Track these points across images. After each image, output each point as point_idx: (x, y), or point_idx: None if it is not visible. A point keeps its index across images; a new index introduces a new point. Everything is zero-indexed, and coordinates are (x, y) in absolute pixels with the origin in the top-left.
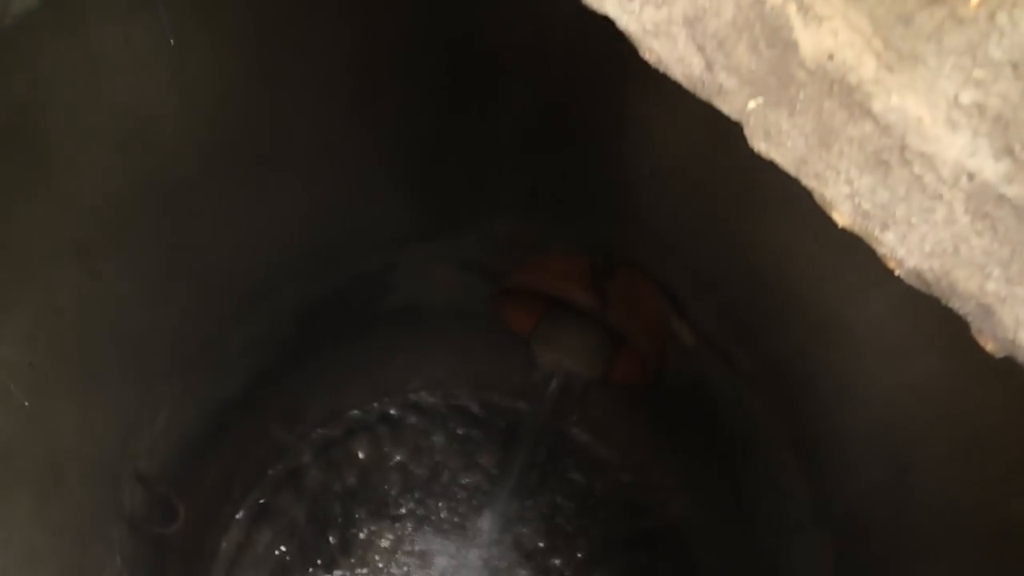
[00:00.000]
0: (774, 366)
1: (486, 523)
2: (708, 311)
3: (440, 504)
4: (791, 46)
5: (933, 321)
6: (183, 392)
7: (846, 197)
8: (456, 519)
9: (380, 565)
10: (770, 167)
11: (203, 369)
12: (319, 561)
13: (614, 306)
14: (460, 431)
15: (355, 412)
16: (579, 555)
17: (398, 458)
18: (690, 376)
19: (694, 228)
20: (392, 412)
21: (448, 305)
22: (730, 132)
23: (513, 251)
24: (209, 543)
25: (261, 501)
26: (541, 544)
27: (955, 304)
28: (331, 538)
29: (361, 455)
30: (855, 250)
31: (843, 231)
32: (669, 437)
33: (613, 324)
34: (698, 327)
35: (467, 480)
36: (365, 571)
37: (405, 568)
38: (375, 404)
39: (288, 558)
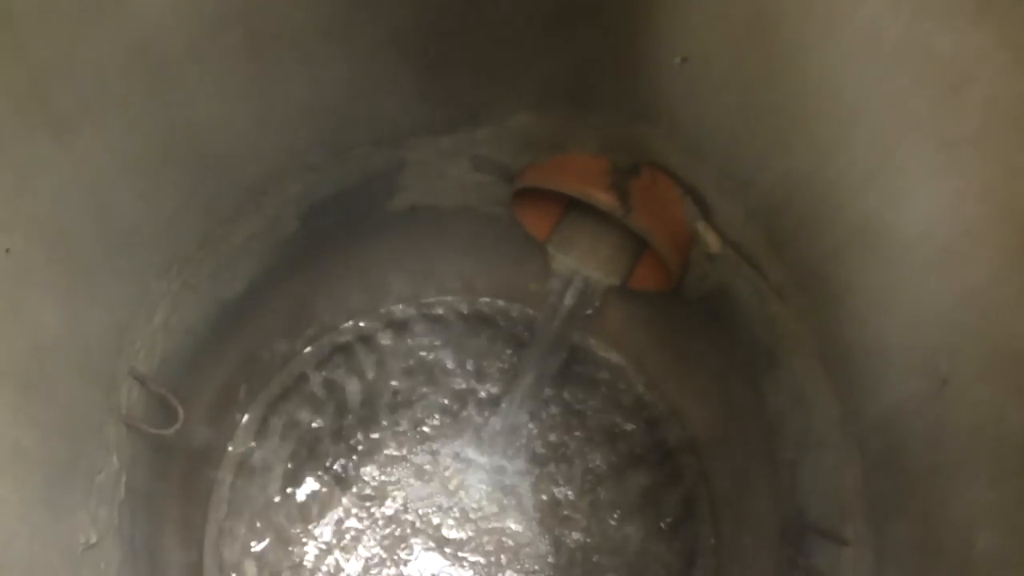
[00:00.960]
0: (805, 272)
1: (495, 430)
2: (737, 214)
3: (450, 410)
4: None
5: (984, 225)
6: (182, 290)
7: None
8: (465, 426)
9: (388, 468)
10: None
11: (203, 267)
12: (327, 464)
13: (636, 208)
14: (471, 338)
15: (363, 317)
16: (590, 465)
17: (406, 364)
18: (714, 283)
19: (727, 123)
20: (401, 317)
21: (460, 207)
22: (770, 12)
23: (530, 148)
24: (215, 447)
25: (267, 406)
26: (551, 453)
27: None
28: (339, 442)
29: (369, 361)
30: (904, 144)
31: (893, 125)
32: (688, 347)
33: (635, 227)
34: (725, 231)
35: (477, 387)
36: (374, 473)
37: (413, 470)
38: (383, 309)
39: (295, 462)
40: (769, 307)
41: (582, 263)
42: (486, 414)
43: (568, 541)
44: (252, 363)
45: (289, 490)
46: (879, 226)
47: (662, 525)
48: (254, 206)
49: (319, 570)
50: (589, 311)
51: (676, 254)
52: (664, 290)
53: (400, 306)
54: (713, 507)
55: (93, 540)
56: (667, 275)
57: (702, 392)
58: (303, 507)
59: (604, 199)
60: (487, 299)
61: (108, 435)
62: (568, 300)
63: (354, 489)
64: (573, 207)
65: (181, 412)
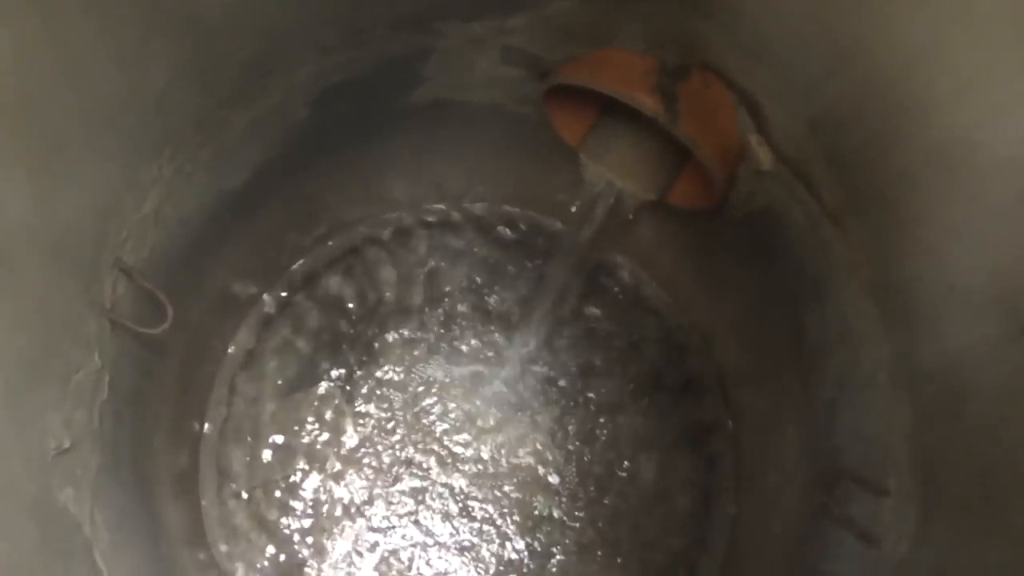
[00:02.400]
0: (869, 196)
1: (513, 347)
2: (796, 127)
3: (465, 323)
4: None
5: None
6: (175, 177)
7: None
8: (482, 340)
9: (396, 378)
10: None
11: (200, 153)
12: (332, 370)
13: (683, 115)
14: (491, 248)
15: (376, 218)
16: (611, 391)
17: (421, 271)
18: (760, 204)
19: (797, 19)
20: (417, 221)
21: (487, 104)
22: None
23: (567, 41)
24: (215, 347)
25: (271, 307)
26: (568, 374)
27: None
28: (345, 348)
29: (382, 265)
30: (1012, 53)
31: (1002, 28)
32: (724, 271)
33: (680, 136)
34: (780, 146)
35: (495, 301)
36: (380, 383)
37: (425, 381)
38: (398, 211)
39: (298, 367)
40: (821, 233)
41: (617, 173)
42: (503, 329)
43: (580, 466)
44: (255, 261)
45: (292, 396)
46: (966, 147)
47: (682, 459)
48: (257, 88)
49: (322, 475)
50: (620, 226)
51: (723, 169)
52: (704, 208)
53: (417, 208)
54: (737, 443)
55: (66, 445)
56: (710, 192)
57: (735, 320)
58: (305, 414)
59: (647, 103)
60: (511, 207)
61: (88, 331)
62: (598, 213)
63: (359, 398)
64: (611, 110)
65: (170, 310)
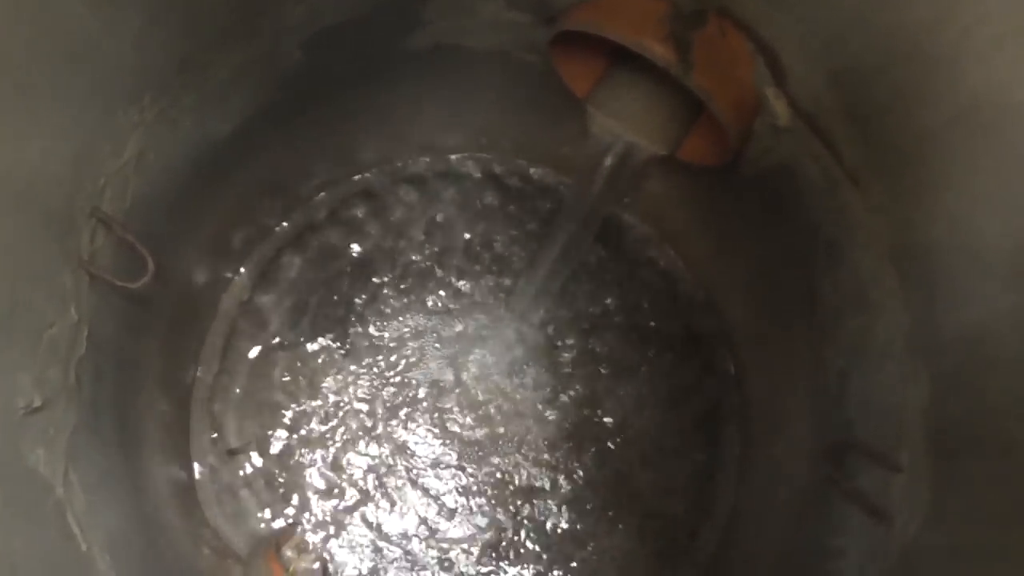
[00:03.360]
0: (892, 155)
1: (512, 307)
2: (816, 80)
3: (464, 281)
4: None
5: None
6: (158, 123)
7: None
8: (482, 295)
9: (393, 332)
10: None
11: (184, 97)
12: (329, 325)
13: (698, 65)
14: (492, 203)
15: (374, 168)
16: (614, 350)
17: (420, 224)
18: (775, 161)
19: None
20: (417, 172)
21: (490, 50)
22: None
23: None
24: (207, 299)
25: (265, 258)
26: (571, 333)
27: None
28: (341, 302)
29: (379, 217)
30: None
31: None
32: (735, 231)
33: (694, 88)
34: (799, 100)
35: (497, 257)
36: (377, 337)
37: (419, 337)
38: (398, 162)
39: (293, 319)
40: (840, 194)
41: (626, 126)
42: (503, 284)
43: (579, 426)
44: (248, 211)
45: (287, 348)
46: (1002, 103)
47: (685, 423)
48: (245, 29)
49: (315, 431)
50: (629, 182)
51: (738, 124)
52: (716, 165)
53: (416, 160)
54: (744, 409)
55: (37, 403)
56: (723, 148)
57: (744, 281)
58: (300, 368)
59: (660, 52)
60: (514, 159)
61: (63, 284)
62: (606, 168)
63: (355, 352)
64: (621, 60)
65: (151, 262)
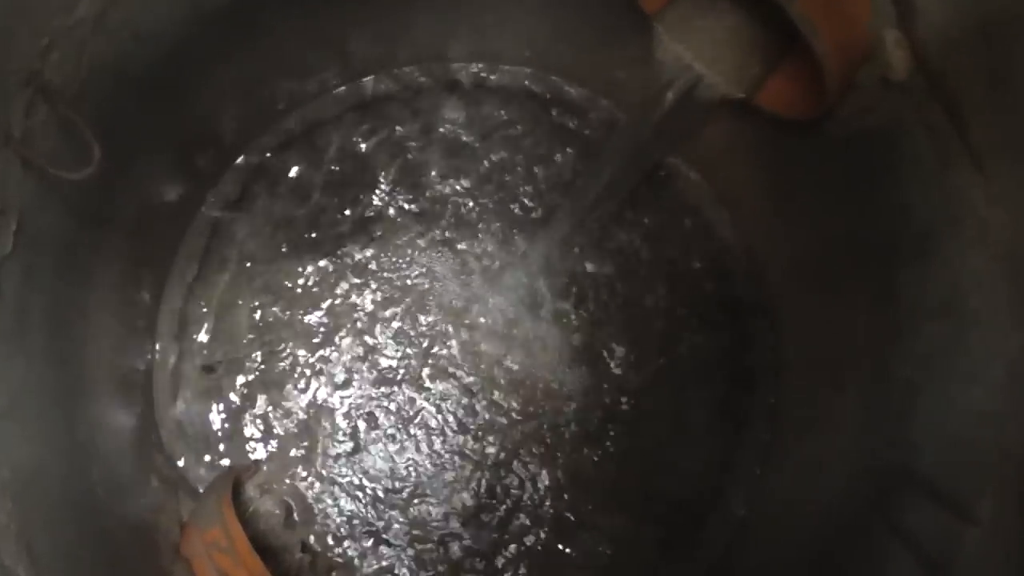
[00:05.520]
0: None
1: (540, 244)
2: (955, 28)
3: (489, 208)
4: None
5: None
6: None
7: None
8: (505, 231)
9: (401, 259)
10: None
11: None
12: (326, 242)
13: None
14: (530, 125)
15: (396, 70)
16: (642, 311)
17: (444, 138)
18: (876, 124)
19: None
20: (444, 79)
21: None
22: None
23: None
24: (179, 200)
25: (258, 158)
26: (598, 286)
27: None
28: (345, 217)
29: (398, 126)
30: None
31: None
32: (806, 200)
33: (795, 17)
34: (924, 50)
35: (527, 189)
36: (383, 260)
37: (429, 268)
38: (424, 63)
39: (286, 235)
40: (953, 175)
41: (699, 57)
42: (531, 221)
43: (596, 387)
44: (242, 103)
45: (267, 268)
46: None
47: (709, 401)
48: None
49: (298, 360)
50: (690, 125)
51: (841, 70)
52: (800, 118)
53: (448, 67)
54: (778, 395)
55: None
56: (815, 98)
57: (802, 259)
58: (289, 286)
59: None
60: (559, 79)
61: None
62: (667, 104)
63: (353, 277)
64: None
65: (97, 150)
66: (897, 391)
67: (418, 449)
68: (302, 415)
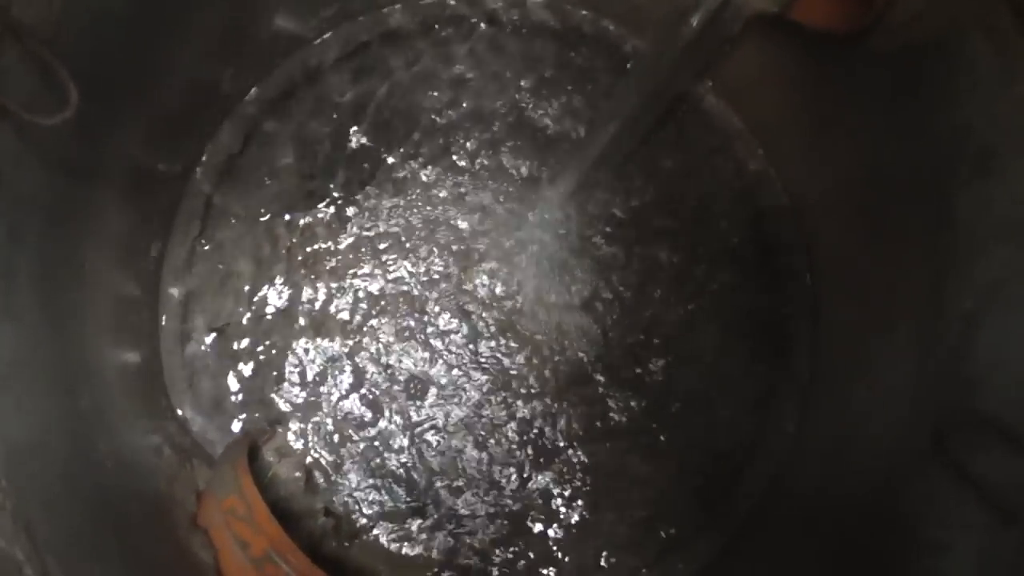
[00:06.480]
0: None
1: (558, 186)
2: None
3: (503, 150)
4: None
5: None
6: None
7: None
8: (521, 174)
9: (412, 208)
10: None
11: None
12: (334, 192)
13: None
14: (546, 60)
15: (401, 4)
16: (669, 254)
17: (455, 77)
18: (926, 33)
19: None
20: (453, 13)
21: None
22: None
23: None
24: (179, 152)
25: (261, 107)
26: (621, 229)
27: None
28: (353, 164)
29: (404, 67)
30: None
31: None
32: (849, 123)
33: None
34: None
35: (545, 128)
36: (394, 208)
37: (442, 217)
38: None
39: (292, 184)
40: (1019, 84)
41: None
42: (548, 163)
43: (618, 341)
44: (240, 45)
45: (272, 219)
46: None
47: (744, 346)
48: None
49: (312, 314)
50: (718, 49)
51: None
52: (842, 31)
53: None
54: (816, 342)
55: None
56: (857, 7)
57: (845, 187)
58: (292, 242)
59: None
60: (576, 7)
61: None
62: (692, 27)
63: (361, 227)
64: None
65: (74, 90)
66: (955, 326)
67: (448, 399)
68: (314, 376)
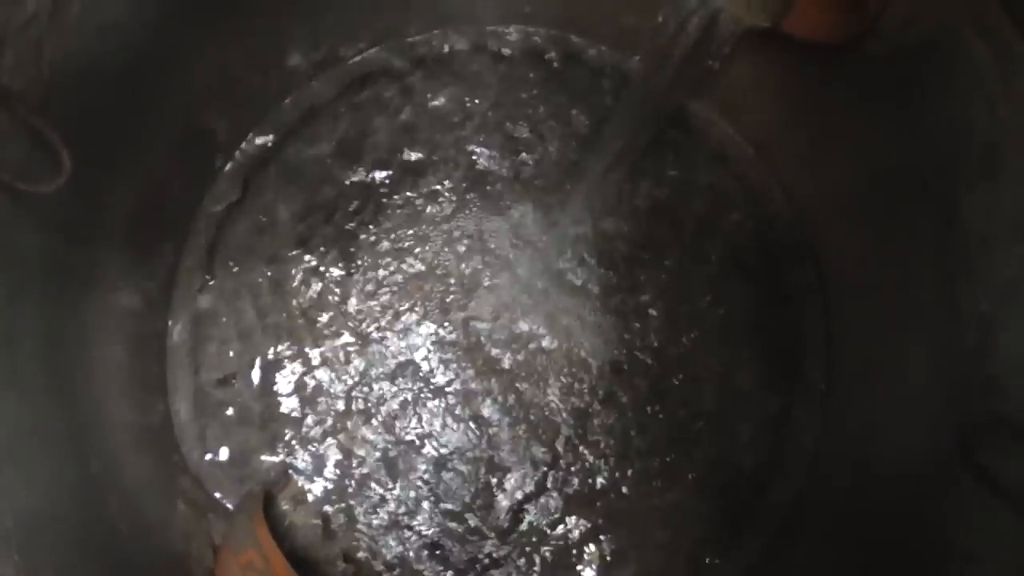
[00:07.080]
0: None
1: (557, 212)
2: None
3: (499, 180)
4: None
5: None
6: None
7: None
8: (517, 201)
9: (412, 241)
10: None
11: None
12: (333, 232)
13: None
14: (537, 86)
15: (393, 40)
16: (672, 270)
17: (448, 109)
18: (922, 35)
19: None
20: (440, 48)
21: None
22: None
23: None
24: (172, 214)
25: (255, 151)
26: (624, 249)
27: None
28: (351, 203)
29: (398, 101)
30: None
31: None
32: (848, 129)
33: None
34: None
35: (538, 154)
36: (394, 244)
37: (442, 247)
38: (422, 33)
39: (292, 227)
40: (1019, 80)
41: None
42: (545, 189)
43: (624, 360)
44: (233, 90)
45: (283, 263)
46: None
47: (758, 358)
48: None
49: (327, 361)
50: (711, 63)
51: None
52: (836, 41)
53: (439, 32)
54: (829, 355)
55: None
56: (852, 18)
57: (847, 194)
58: (297, 281)
59: None
60: (566, 33)
61: None
62: (683, 45)
63: (363, 265)
64: None
65: (66, 156)
66: (973, 329)
67: (462, 432)
68: (327, 422)
